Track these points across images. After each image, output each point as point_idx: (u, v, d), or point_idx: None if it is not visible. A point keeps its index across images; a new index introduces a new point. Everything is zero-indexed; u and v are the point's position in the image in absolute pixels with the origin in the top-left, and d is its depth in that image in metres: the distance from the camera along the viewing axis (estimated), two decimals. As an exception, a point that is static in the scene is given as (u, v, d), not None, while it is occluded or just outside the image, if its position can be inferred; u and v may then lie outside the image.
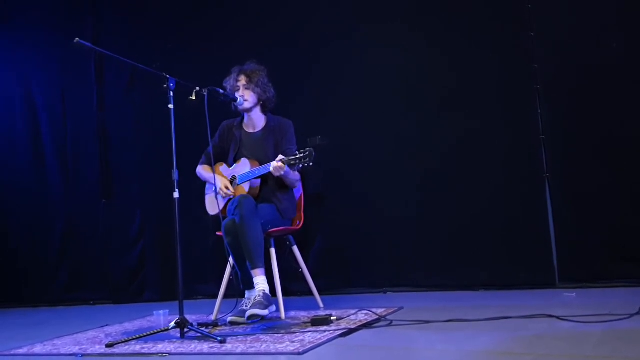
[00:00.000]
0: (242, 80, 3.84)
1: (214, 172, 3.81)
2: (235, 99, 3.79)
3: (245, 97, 3.82)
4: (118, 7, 5.26)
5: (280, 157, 3.52)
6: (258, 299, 3.38)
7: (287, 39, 4.65)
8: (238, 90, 3.83)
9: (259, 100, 3.87)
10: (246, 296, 3.63)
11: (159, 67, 3.45)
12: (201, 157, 3.98)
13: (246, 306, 3.48)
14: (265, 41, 4.65)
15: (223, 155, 3.95)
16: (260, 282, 3.45)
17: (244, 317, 3.43)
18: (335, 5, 4.57)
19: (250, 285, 3.55)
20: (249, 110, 3.87)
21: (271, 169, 3.53)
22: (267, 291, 3.44)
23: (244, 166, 3.79)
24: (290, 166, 3.50)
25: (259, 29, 4.72)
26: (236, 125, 3.98)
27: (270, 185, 3.76)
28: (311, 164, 3.43)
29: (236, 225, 3.49)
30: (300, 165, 3.46)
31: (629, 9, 3.83)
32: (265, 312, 3.36)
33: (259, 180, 3.72)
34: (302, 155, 3.44)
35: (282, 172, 3.53)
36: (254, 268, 3.47)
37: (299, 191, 3.99)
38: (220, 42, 4.84)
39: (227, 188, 3.75)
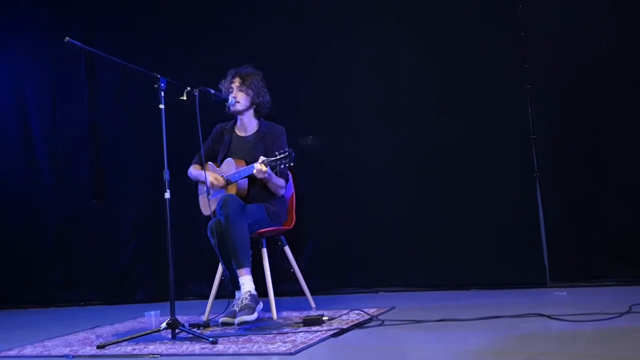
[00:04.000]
0: (236, 82, 3.83)
1: (204, 171, 3.77)
2: (227, 100, 3.78)
3: (238, 99, 3.81)
4: (111, 5, 5.24)
5: (262, 158, 3.50)
6: (245, 302, 3.35)
7: (286, 39, 4.64)
8: (231, 91, 3.82)
9: (251, 103, 3.85)
10: (236, 297, 3.61)
11: (153, 67, 3.43)
12: (194, 158, 3.97)
13: (237, 306, 3.46)
14: (265, 41, 4.64)
15: (214, 157, 3.93)
16: (246, 281, 3.42)
17: (235, 317, 3.42)
18: (335, 5, 4.57)
19: (239, 286, 3.52)
20: (241, 112, 3.86)
21: (254, 171, 3.51)
22: (253, 291, 3.41)
23: (228, 166, 3.77)
24: (272, 168, 3.47)
25: (259, 28, 4.72)
26: (228, 128, 3.96)
27: (259, 187, 3.73)
28: (291, 164, 3.43)
29: (221, 226, 3.48)
30: (282, 166, 3.44)
31: (620, 9, 3.85)
32: (253, 317, 3.34)
33: (246, 181, 3.70)
34: (282, 155, 3.43)
35: (266, 175, 3.52)
36: (239, 268, 3.44)
37: (290, 191, 3.98)
38: (219, 42, 4.82)
39: (216, 179, 3.71)
